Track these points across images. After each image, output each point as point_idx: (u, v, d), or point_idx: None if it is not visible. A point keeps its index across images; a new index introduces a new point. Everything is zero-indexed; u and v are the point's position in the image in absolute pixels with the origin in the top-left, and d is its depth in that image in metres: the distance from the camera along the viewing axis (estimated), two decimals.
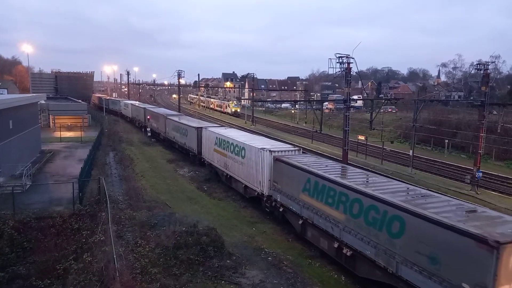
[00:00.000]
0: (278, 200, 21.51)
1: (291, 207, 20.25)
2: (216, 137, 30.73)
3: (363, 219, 15.04)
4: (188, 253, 16.72)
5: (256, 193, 24.20)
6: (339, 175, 18.39)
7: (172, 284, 14.60)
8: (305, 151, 34.64)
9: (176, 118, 45.71)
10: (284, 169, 20.96)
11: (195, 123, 41.11)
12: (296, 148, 24.46)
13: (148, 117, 55.80)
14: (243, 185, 25.92)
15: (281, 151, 23.21)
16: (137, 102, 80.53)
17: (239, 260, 17.33)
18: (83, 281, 13.94)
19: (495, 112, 49.17)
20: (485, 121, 32.10)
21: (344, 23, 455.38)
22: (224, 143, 29.17)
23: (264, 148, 23.03)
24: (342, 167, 21.03)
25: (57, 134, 45.50)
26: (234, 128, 40.10)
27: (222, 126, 42.71)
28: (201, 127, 35.56)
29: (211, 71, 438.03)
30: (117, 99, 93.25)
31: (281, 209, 21.40)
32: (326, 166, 20.33)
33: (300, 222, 19.51)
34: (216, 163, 30.88)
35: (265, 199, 23.18)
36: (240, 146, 26.28)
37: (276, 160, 21.77)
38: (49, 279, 15.18)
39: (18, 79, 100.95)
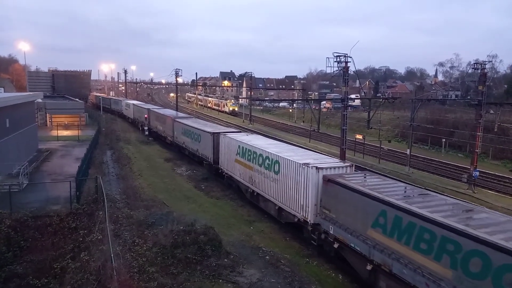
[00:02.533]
0: (331, 232, 16.94)
1: (352, 245, 15.65)
2: (239, 146, 26.38)
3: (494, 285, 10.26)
4: (186, 252, 16.72)
5: (296, 219, 19.72)
6: (434, 208, 13.08)
7: (170, 283, 14.59)
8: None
9: (186, 121, 40.93)
10: (340, 193, 16.21)
11: (209, 127, 36.54)
12: (348, 164, 19.90)
13: (146, 116, 55.56)
14: (277, 207, 21.69)
15: (330, 168, 18.80)
16: (140, 102, 77.47)
17: (237, 259, 17.34)
18: (80, 280, 13.90)
19: (492, 112, 49.34)
20: (482, 120, 32.20)
21: (341, 22, 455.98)
22: (249, 153, 24.89)
23: (308, 164, 18.66)
24: (425, 194, 15.49)
25: (54, 132, 45.30)
26: (256, 134, 34.19)
27: (242, 131, 37.01)
28: (218, 133, 31.21)
29: (209, 70, 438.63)
30: (118, 98, 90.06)
31: (335, 245, 16.75)
32: (405, 191, 15.74)
33: (369, 267, 14.82)
34: (238, 176, 26.65)
35: (310, 228, 18.72)
36: (272, 159, 21.96)
37: (328, 181, 17.05)
38: (46, 278, 15.13)
39: (15, 77, 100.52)
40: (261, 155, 23.31)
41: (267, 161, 22.54)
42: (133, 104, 67.17)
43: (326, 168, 18.61)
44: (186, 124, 39.25)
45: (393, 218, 13.58)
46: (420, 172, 38.10)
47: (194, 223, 19.30)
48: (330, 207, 17.07)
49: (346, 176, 17.76)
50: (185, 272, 15.64)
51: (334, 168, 19.03)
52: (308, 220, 18.65)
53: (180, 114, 51.97)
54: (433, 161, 43.00)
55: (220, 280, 15.42)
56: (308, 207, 18.55)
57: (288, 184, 20.35)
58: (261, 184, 23.39)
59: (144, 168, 34.99)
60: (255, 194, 24.46)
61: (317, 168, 18.31)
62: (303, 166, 18.91)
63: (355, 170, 20.19)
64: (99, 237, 16.79)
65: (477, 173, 32.29)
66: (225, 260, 16.99)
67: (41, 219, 18.81)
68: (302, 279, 16.19)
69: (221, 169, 29.75)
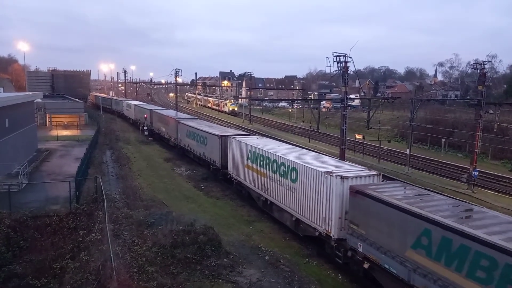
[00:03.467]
0: (360, 250, 15.16)
1: (387, 267, 13.92)
2: (249, 150, 24.67)
3: None
4: (185, 252, 16.72)
5: (316, 233, 18.03)
6: (490, 229, 11.37)
7: (169, 283, 14.59)
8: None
9: (191, 123, 39.04)
10: (372, 207, 14.39)
11: (216, 129, 34.85)
12: (375, 173, 17.85)
13: (146, 115, 55.48)
14: (293, 218, 19.94)
15: (356, 177, 16.98)
16: (142, 102, 76.00)
17: (236, 259, 17.35)
18: (80, 280, 13.90)
19: (491, 111, 49.34)
20: (481, 120, 32.23)
21: (340, 21, 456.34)
22: (261, 158, 23.12)
23: (331, 173, 16.94)
24: (475, 211, 13.56)
25: (54, 132, 45.30)
26: (266, 137, 32.09)
27: (250, 134, 34.71)
28: (226, 136, 29.44)
29: (208, 70, 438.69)
30: (119, 99, 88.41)
31: (365, 265, 15.06)
32: (450, 206, 13.61)
33: None
34: (249, 183, 24.94)
35: (333, 244, 16.96)
36: (288, 166, 20.17)
37: (357, 192, 15.22)
38: (45, 278, 15.14)
39: (14, 77, 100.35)
40: (275, 161, 21.52)
41: (282, 167, 20.75)
42: (135, 104, 65.39)
43: (352, 178, 16.79)
44: (191, 126, 37.57)
45: (439, 239, 11.82)
46: (419, 172, 38.12)
47: (194, 223, 19.30)
48: (358, 222, 15.16)
49: (377, 187, 15.61)
50: (185, 272, 15.64)
51: (360, 177, 17.09)
52: (331, 235, 16.86)
53: (185, 116, 49.80)
54: (432, 161, 43.03)
55: (220, 280, 15.42)
56: (331, 220, 16.76)
57: (307, 194, 18.59)
58: (275, 193, 21.66)
59: (143, 168, 34.98)
60: (268, 202, 22.74)
61: (342, 177, 16.47)
62: (326, 175, 17.06)
63: (382, 180, 18.23)
64: (98, 237, 16.79)
65: (477, 173, 32.32)
66: (225, 260, 16.99)
67: (40, 219, 18.80)
68: (301, 279, 16.19)
69: (230, 174, 28.10)
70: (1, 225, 17.79)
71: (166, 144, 46.30)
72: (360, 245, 15.17)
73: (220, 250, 17.61)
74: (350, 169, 18.62)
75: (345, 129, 32.76)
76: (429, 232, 12.18)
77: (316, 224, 17.93)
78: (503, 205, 27.87)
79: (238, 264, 16.89)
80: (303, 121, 75.24)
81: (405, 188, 16.29)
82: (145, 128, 54.08)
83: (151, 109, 54.57)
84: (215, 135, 31.06)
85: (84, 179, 25.11)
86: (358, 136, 46.20)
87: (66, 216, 19.25)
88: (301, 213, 19.16)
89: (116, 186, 27.93)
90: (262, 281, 15.65)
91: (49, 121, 54.26)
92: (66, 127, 50.91)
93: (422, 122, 52.49)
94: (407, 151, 39.58)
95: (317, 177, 17.74)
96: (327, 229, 17.14)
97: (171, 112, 53.10)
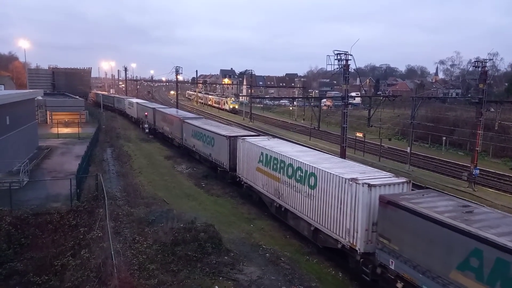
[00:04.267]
0: (392, 267, 13.68)
1: None
2: (261, 153, 23.22)
3: None
4: (186, 250, 16.75)
5: (339, 245, 16.57)
6: None
7: (170, 280, 14.63)
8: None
9: (196, 122, 37.54)
10: (407, 220, 12.84)
11: (224, 130, 33.11)
12: (404, 180, 16.22)
13: (146, 113, 55.44)
14: (312, 228, 18.52)
15: (385, 185, 15.41)
16: (145, 101, 74.48)
17: (237, 256, 17.38)
18: (80, 277, 13.96)
19: (492, 110, 49.22)
20: (482, 119, 32.20)
21: (341, 19, 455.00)
22: (274, 162, 21.67)
23: (357, 180, 15.44)
24: None
25: (55, 130, 45.34)
26: (277, 139, 30.14)
27: (260, 135, 33.00)
28: (235, 137, 28.08)
29: (209, 68, 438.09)
30: (121, 97, 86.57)
31: (399, 284, 13.50)
32: (506, 219, 12.09)
33: None
34: (261, 187, 23.61)
35: (359, 258, 15.43)
36: (306, 171, 18.70)
37: (388, 203, 13.64)
38: (46, 275, 15.19)
39: (15, 75, 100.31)
40: (290, 165, 20.06)
41: (298, 172, 19.29)
42: (137, 103, 63.97)
43: (380, 186, 15.22)
44: (197, 126, 35.98)
45: (493, 261, 10.32)
46: (420, 170, 38.12)
47: (195, 221, 19.34)
48: (390, 236, 13.58)
49: (412, 197, 13.97)
50: (185, 269, 15.67)
51: (389, 185, 15.54)
52: (356, 248, 15.36)
53: (189, 115, 48.09)
54: (433, 159, 43.00)
55: (220, 278, 15.44)
56: (357, 232, 15.27)
57: (328, 202, 17.07)
58: (290, 199, 20.21)
59: (144, 165, 35.01)
60: (282, 209, 21.30)
61: (369, 185, 14.96)
62: (350, 183, 15.60)
63: (412, 188, 16.60)
64: (99, 235, 16.85)
65: (477, 171, 32.31)
66: (225, 257, 17.02)
67: (41, 217, 18.86)
68: (302, 276, 16.23)
69: (239, 177, 26.71)
70: (2, 222, 17.85)
71: (167, 142, 46.24)
72: (392, 262, 13.59)
73: (221, 247, 17.64)
74: (376, 175, 16.94)
75: (346, 127, 32.74)
76: (480, 253, 10.65)
77: (339, 235, 16.45)
78: (503, 203, 27.88)
79: (239, 261, 16.92)
80: (303, 119, 75.16)
81: (443, 198, 14.41)
82: (146, 126, 54.11)
83: (154, 108, 53.35)
84: (223, 135, 29.55)
85: (85, 177, 25.15)
86: (359, 134, 46.19)
87: (67, 214, 19.31)
88: (321, 223, 17.69)
89: (116, 183, 27.97)
90: (262, 279, 15.68)
91: (50, 119, 54.31)
92: (66, 124, 50.95)
93: (423, 120, 52.44)
94: (408, 149, 39.56)
95: (340, 184, 16.25)
96: (351, 242, 15.61)
97: (175, 111, 51.18)
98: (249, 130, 47.73)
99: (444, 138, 49.04)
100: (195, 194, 27.34)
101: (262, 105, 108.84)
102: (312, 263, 17.80)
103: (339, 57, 30.30)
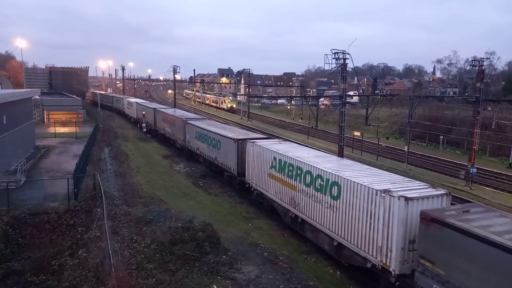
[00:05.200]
0: None
1: None
2: (274, 158, 21.54)
3: None
4: (184, 249, 16.74)
5: (368, 264, 14.86)
6: None
7: (168, 279, 14.61)
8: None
9: (200, 124, 35.75)
10: (457, 242, 11.16)
11: (231, 132, 31.28)
12: (443, 192, 14.29)
13: (143, 112, 55.31)
14: (335, 243, 16.75)
15: (423, 198, 13.60)
16: (144, 100, 73.25)
17: (235, 255, 17.38)
18: (78, 277, 13.93)
19: (489, 108, 49.50)
20: (479, 117, 32.28)
21: (339, 18, 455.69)
22: (290, 168, 20.00)
23: (390, 192, 13.65)
24: None
25: (52, 129, 45.21)
26: (289, 142, 28.42)
27: (270, 138, 31.25)
28: (244, 140, 26.40)
29: (207, 67, 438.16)
30: (120, 96, 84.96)
31: None
32: None
33: None
34: (273, 195, 21.95)
35: (394, 280, 13.71)
36: (327, 179, 16.98)
37: (432, 220, 11.91)
38: (44, 275, 15.13)
39: (12, 74, 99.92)
40: (309, 172, 18.36)
41: (318, 181, 17.60)
42: (136, 102, 62.23)
43: (418, 199, 13.43)
44: (201, 128, 34.22)
45: None
46: (417, 169, 38.21)
47: (193, 220, 19.33)
48: (434, 258, 11.90)
49: (460, 214, 12.17)
50: (184, 268, 15.66)
51: (427, 198, 13.67)
52: (390, 269, 13.62)
53: (193, 115, 46.11)
54: (430, 158, 43.13)
55: (219, 277, 15.45)
56: (391, 251, 13.50)
57: (354, 215, 15.35)
58: (308, 209, 18.54)
59: (142, 165, 34.97)
60: (299, 220, 19.56)
61: (406, 198, 13.17)
62: (383, 195, 13.85)
63: (451, 202, 14.88)
64: (97, 234, 16.82)
65: (475, 170, 32.42)
66: (224, 256, 17.03)
67: (39, 216, 18.80)
68: (300, 275, 16.25)
69: (248, 183, 25.06)
70: (0, 222, 17.78)
71: (166, 142, 46.15)
72: None
73: (219, 247, 17.64)
74: (409, 185, 15.07)
75: (344, 126, 32.76)
76: None
77: (368, 253, 14.66)
78: (500, 202, 27.98)
79: (237, 260, 16.92)
80: (301, 118, 75.21)
81: (495, 215, 12.46)
82: (144, 125, 54.01)
83: (154, 108, 51.29)
84: (230, 138, 27.82)
85: (83, 176, 25.08)
86: (357, 133, 46.28)
87: (64, 213, 19.25)
88: (346, 238, 15.94)
89: (114, 183, 27.92)
90: (260, 278, 15.69)
91: (47, 118, 54.15)
92: (64, 124, 50.82)
93: (420, 119, 52.43)
94: (405, 148, 39.64)
95: (370, 196, 14.49)
96: (384, 261, 13.84)
97: (177, 111, 49.43)
98: (250, 130, 47.64)
99: (441, 137, 49.17)
100: (193, 193, 27.32)
101: (260, 104, 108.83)
102: (310, 262, 17.82)
103: (336, 56, 30.30)
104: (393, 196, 13.46)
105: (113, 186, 26.69)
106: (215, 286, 14.74)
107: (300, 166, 19.08)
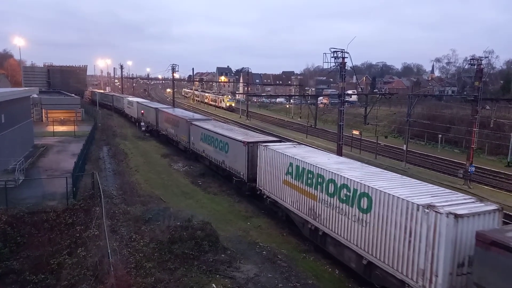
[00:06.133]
0: None
1: None
2: (290, 163, 19.83)
3: None
4: (183, 248, 16.74)
5: None
6: None
7: (167, 278, 14.61)
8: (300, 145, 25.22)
9: (206, 125, 34.13)
10: None
11: (240, 134, 29.48)
12: (495, 207, 12.61)
13: (142, 111, 55.21)
14: (364, 261, 14.93)
15: (473, 215, 11.86)
16: (145, 100, 71.90)
17: (234, 254, 17.39)
18: (77, 276, 13.94)
19: (488, 107, 49.49)
20: (478, 116, 32.38)
21: (338, 16, 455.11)
22: (309, 175, 18.25)
23: (436, 208, 11.89)
24: None
25: (50, 128, 45.15)
26: (305, 146, 25.95)
27: (282, 141, 28.47)
28: (255, 143, 24.68)
29: (206, 66, 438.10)
30: (120, 95, 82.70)
31: None
32: None
33: None
34: (289, 204, 20.21)
35: None
36: (355, 190, 15.17)
37: (493, 244, 10.38)
38: (43, 274, 15.16)
39: (10, 72, 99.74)
40: (332, 181, 16.63)
41: (344, 191, 15.85)
42: (137, 102, 60.27)
43: (468, 216, 11.70)
44: (206, 129, 32.56)
45: None
46: (416, 168, 38.29)
47: (191, 219, 19.31)
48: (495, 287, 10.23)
49: None
50: (182, 267, 15.66)
51: (478, 214, 11.93)
52: None
53: (197, 116, 43.86)
54: (429, 157, 43.22)
55: (217, 276, 15.46)
56: (437, 275, 11.72)
57: (390, 231, 13.46)
58: (331, 222, 16.80)
59: (141, 163, 34.94)
60: (319, 233, 17.84)
61: (455, 216, 11.41)
62: (426, 210, 12.04)
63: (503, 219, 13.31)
64: (96, 233, 16.82)
65: (473, 169, 32.51)
66: (222, 255, 17.03)
67: (37, 215, 18.79)
68: (299, 274, 16.27)
69: (260, 190, 23.40)
70: None
71: (164, 140, 46.08)
72: None
73: (218, 245, 17.64)
74: (454, 199, 13.12)
75: (342, 125, 32.80)
76: None
77: (407, 276, 12.82)
78: (499, 200, 28.01)
79: (236, 259, 16.93)
80: (300, 117, 75.27)
81: None
82: (142, 124, 53.95)
83: (156, 108, 49.42)
84: (239, 141, 26.13)
85: (81, 175, 25.04)
86: (355, 132, 46.36)
87: (63, 212, 19.24)
88: (378, 256, 14.10)
89: (113, 182, 27.89)
90: (259, 277, 15.69)
91: (45, 117, 54.04)
92: (62, 122, 50.73)
93: (419, 118, 52.57)
94: (404, 147, 39.72)
95: (409, 211, 12.66)
96: (427, 287, 12.09)
97: (180, 112, 47.32)
98: (250, 130, 47.63)
99: (440, 135, 49.27)
100: (192, 192, 27.31)
101: (258, 103, 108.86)
102: (309, 261, 17.85)
103: (335, 55, 30.34)
104: (440, 213, 11.63)
105: (111, 185, 26.66)
106: (214, 285, 14.74)
107: (322, 174, 17.35)
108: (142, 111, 55.20)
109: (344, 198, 15.87)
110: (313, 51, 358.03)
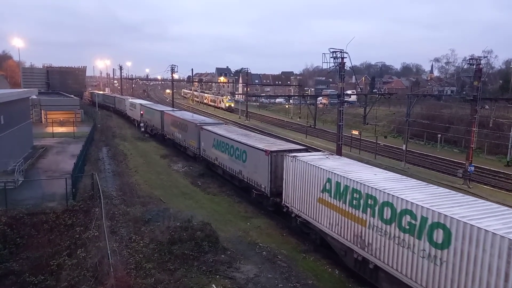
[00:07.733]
0: None
1: None
2: (328, 178, 16.81)
3: None
4: (183, 248, 16.74)
5: None
6: None
7: (167, 279, 14.61)
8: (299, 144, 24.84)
9: (218, 130, 30.81)
10: None
11: (259, 141, 26.01)
12: None
13: (142, 112, 55.12)
14: None
15: None
16: (149, 102, 69.48)
17: (234, 254, 17.39)
18: (77, 277, 13.92)
19: (487, 107, 49.48)
20: (477, 116, 32.39)
21: (337, 16, 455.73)
22: (354, 195, 15.30)
23: None
24: None
25: (49, 129, 45.12)
26: (337, 156, 23.19)
27: (309, 150, 24.45)
28: (279, 151, 21.81)
29: (205, 66, 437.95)
30: (122, 97, 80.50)
31: None
32: None
33: None
34: (326, 227, 17.16)
35: None
36: (424, 218, 12.25)
37: None
38: (42, 275, 15.15)
39: (9, 73, 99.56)
40: (388, 203, 13.65)
41: (407, 218, 12.86)
42: (141, 104, 57.70)
43: None
44: (219, 134, 29.44)
45: None
46: (415, 168, 38.29)
47: (191, 219, 19.31)
48: None
49: None
50: (182, 268, 15.66)
51: None
52: None
53: (208, 120, 40.48)
54: (428, 156, 43.23)
55: (217, 276, 15.45)
56: None
57: (478, 275, 10.70)
58: (388, 255, 13.76)
59: (140, 164, 34.91)
60: (370, 266, 14.80)
61: None
62: None
63: None
64: (95, 234, 16.81)
65: (472, 168, 32.52)
66: (222, 256, 17.02)
67: (37, 216, 18.79)
68: (299, 274, 16.26)
69: (287, 206, 20.40)
70: None
71: (163, 141, 46.00)
72: None
73: (218, 246, 17.64)
74: None
75: (342, 125, 32.81)
76: None
77: None
78: (498, 200, 28.03)
79: (236, 260, 16.93)
80: (299, 117, 75.26)
81: None
82: (141, 124, 53.91)
83: (162, 110, 46.22)
84: (260, 149, 22.99)
85: (81, 176, 25.04)
86: (355, 132, 46.36)
87: (62, 213, 19.25)
88: None
89: (112, 183, 27.87)
90: (259, 277, 15.69)
91: (44, 118, 54.01)
92: (62, 124, 50.68)
93: (418, 118, 52.57)
94: (403, 147, 39.72)
95: (507, 251, 9.99)
96: None
97: (188, 115, 43.39)
98: (248, 129, 47.56)
99: (439, 135, 49.31)
100: (192, 193, 27.29)
101: (258, 103, 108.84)
102: (309, 261, 17.84)
103: (334, 55, 30.35)
104: None
105: (111, 186, 26.64)
106: (214, 285, 14.74)
107: (373, 194, 14.34)
108: (142, 112, 55.03)
109: (407, 227, 12.87)
110: (311, 50, 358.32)
